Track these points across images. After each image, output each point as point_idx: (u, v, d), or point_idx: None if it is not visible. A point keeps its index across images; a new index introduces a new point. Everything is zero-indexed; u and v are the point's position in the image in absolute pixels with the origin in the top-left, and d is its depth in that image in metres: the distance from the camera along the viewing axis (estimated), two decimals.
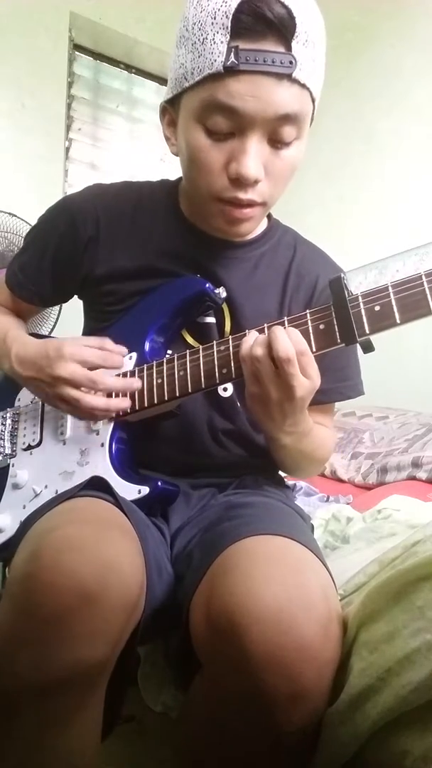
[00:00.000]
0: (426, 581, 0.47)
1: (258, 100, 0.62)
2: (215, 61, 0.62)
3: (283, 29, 0.60)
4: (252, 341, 0.65)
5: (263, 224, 0.88)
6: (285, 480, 0.93)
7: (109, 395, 0.74)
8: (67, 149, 2.39)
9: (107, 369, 0.74)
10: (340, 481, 1.63)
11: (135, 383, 0.74)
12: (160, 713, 0.67)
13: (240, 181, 0.67)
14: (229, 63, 0.60)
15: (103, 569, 0.49)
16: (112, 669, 0.52)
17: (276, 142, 0.66)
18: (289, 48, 0.61)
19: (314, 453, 0.80)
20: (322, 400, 0.81)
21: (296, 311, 0.83)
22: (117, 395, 0.74)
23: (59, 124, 2.31)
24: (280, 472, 0.93)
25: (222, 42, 0.61)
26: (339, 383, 0.83)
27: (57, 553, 0.49)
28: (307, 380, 0.63)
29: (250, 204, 0.69)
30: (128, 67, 2.62)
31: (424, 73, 1.94)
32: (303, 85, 0.64)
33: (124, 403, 0.74)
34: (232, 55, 0.60)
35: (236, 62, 0.60)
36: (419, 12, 1.97)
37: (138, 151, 2.58)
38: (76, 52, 2.46)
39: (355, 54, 2.23)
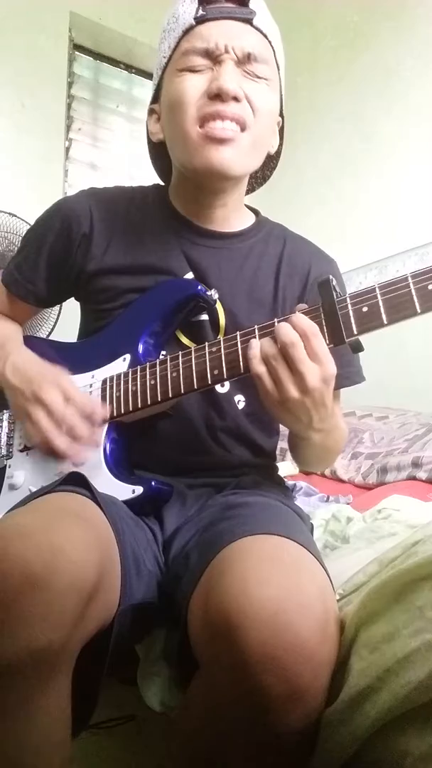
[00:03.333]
0: (426, 581, 0.47)
1: (227, 37, 0.73)
2: (186, 20, 0.74)
3: None
4: (258, 348, 0.63)
5: (251, 218, 0.90)
6: (284, 480, 0.93)
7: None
8: (67, 149, 2.39)
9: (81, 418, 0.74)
10: (340, 481, 1.63)
11: (96, 440, 0.74)
12: (160, 713, 0.66)
13: (220, 97, 0.72)
14: (198, 15, 0.74)
15: (51, 554, 0.49)
16: (73, 657, 0.52)
17: (249, 74, 0.74)
18: (247, 5, 0.74)
19: (336, 446, 0.83)
20: None
21: (291, 299, 0.85)
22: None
23: (59, 124, 2.32)
24: (279, 473, 0.93)
25: (192, 8, 0.74)
26: (343, 369, 0.81)
27: (5, 542, 0.50)
28: (315, 365, 0.61)
29: (234, 120, 0.72)
30: (128, 67, 2.63)
31: (424, 73, 1.94)
32: (265, 36, 0.75)
33: (80, 455, 0.73)
34: (201, 9, 0.74)
35: (204, 13, 0.73)
36: (419, 12, 1.97)
37: (138, 151, 2.58)
38: (76, 52, 2.47)
39: (355, 54, 2.23)
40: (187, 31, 0.74)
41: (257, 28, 0.75)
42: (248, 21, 0.74)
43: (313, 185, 2.37)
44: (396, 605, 0.48)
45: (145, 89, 2.65)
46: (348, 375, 0.84)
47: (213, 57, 0.73)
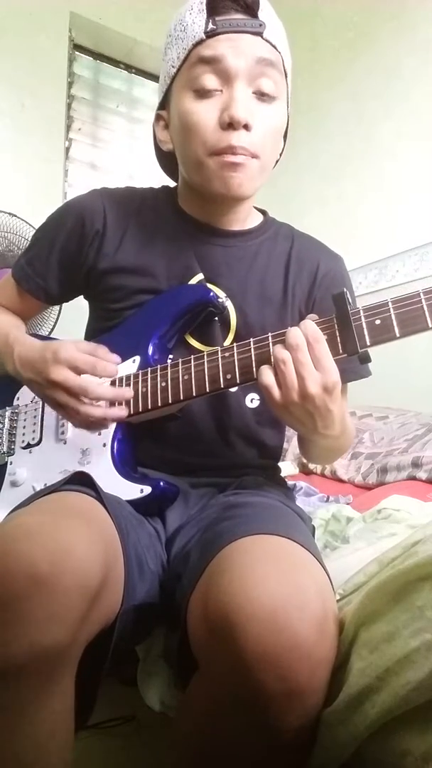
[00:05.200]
0: (426, 581, 0.47)
1: (237, 49, 0.72)
2: (197, 33, 0.73)
3: (252, 3, 0.73)
4: (270, 374, 0.65)
5: (258, 218, 0.91)
6: (285, 480, 0.93)
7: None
8: (67, 149, 2.39)
9: (99, 377, 0.74)
10: (340, 481, 1.63)
11: (126, 392, 0.74)
12: (160, 713, 0.67)
13: (232, 126, 0.72)
14: (208, 29, 0.72)
15: (57, 554, 0.49)
16: (78, 656, 0.52)
17: (259, 94, 0.74)
18: (257, 16, 0.73)
19: (344, 446, 0.85)
20: None
21: (300, 296, 0.86)
22: (113, 404, 0.75)
23: (59, 124, 2.31)
24: (282, 474, 0.93)
25: (201, 19, 0.73)
26: (350, 363, 0.83)
27: (11, 542, 0.50)
28: (316, 371, 0.62)
29: (244, 152, 0.73)
30: (128, 67, 2.63)
31: (424, 73, 1.94)
32: (274, 47, 0.75)
33: (120, 412, 0.74)
34: (211, 22, 0.73)
35: (215, 27, 0.72)
36: (419, 12, 1.97)
37: (138, 151, 2.58)
38: (76, 52, 2.47)
39: (355, 54, 2.23)
40: (197, 44, 0.73)
41: (267, 41, 0.74)
42: (259, 34, 0.73)
43: (313, 185, 2.37)
44: (396, 605, 0.48)
45: (145, 89, 2.65)
46: (355, 369, 0.84)
47: (224, 76, 0.73)
